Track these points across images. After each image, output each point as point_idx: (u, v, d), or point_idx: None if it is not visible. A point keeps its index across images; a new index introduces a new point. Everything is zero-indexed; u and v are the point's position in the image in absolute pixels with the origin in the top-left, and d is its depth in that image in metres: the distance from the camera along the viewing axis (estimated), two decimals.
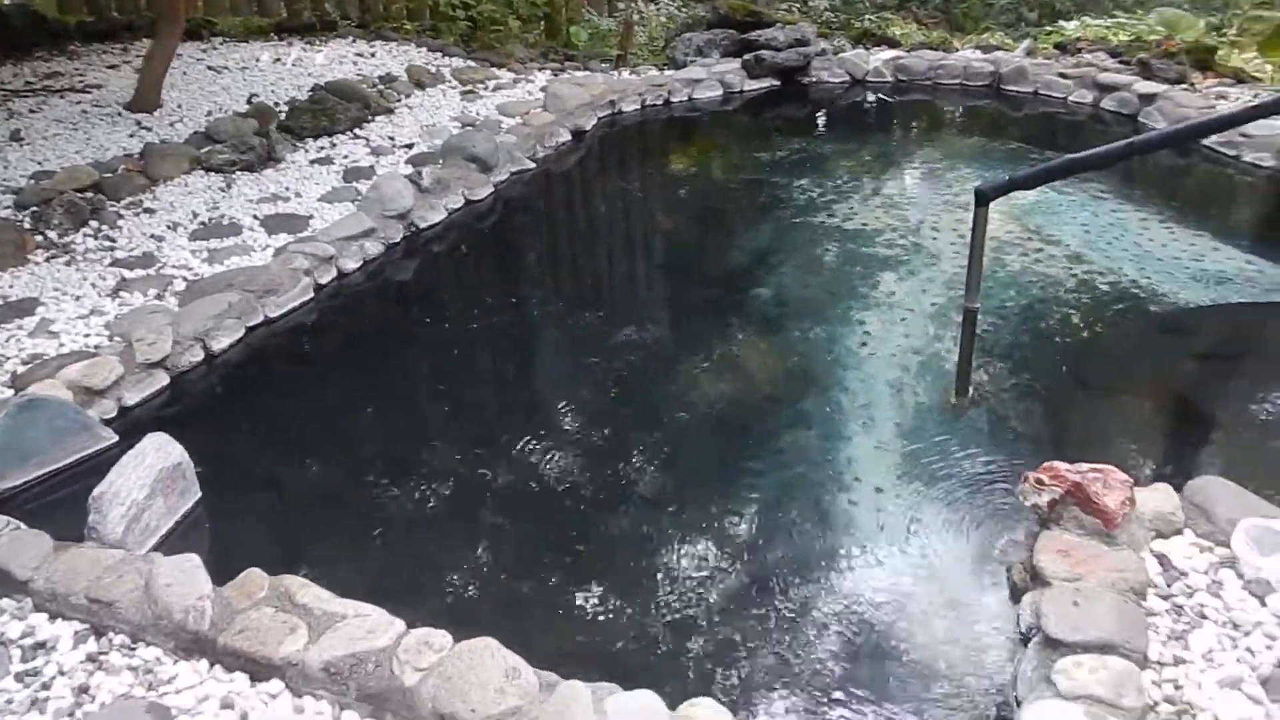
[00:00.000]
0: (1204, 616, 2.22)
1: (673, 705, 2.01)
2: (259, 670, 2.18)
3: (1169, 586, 2.31)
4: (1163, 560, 2.39)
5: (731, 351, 3.67)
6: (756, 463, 3.02)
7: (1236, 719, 1.97)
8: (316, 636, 2.19)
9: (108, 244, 4.40)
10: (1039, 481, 2.47)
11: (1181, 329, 3.70)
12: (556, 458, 3.07)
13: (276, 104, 5.91)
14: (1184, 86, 5.93)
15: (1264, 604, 2.24)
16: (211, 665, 2.23)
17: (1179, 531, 2.47)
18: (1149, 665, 2.09)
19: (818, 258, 4.31)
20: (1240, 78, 6.12)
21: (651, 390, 3.45)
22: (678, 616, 2.42)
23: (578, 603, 2.48)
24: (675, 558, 2.62)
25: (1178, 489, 2.55)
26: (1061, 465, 2.47)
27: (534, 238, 4.83)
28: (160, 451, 2.75)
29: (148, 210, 4.71)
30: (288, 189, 4.97)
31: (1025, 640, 2.25)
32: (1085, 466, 2.46)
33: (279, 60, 6.76)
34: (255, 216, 4.66)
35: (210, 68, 6.55)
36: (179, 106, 5.84)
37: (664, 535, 2.71)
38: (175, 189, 4.93)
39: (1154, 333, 3.67)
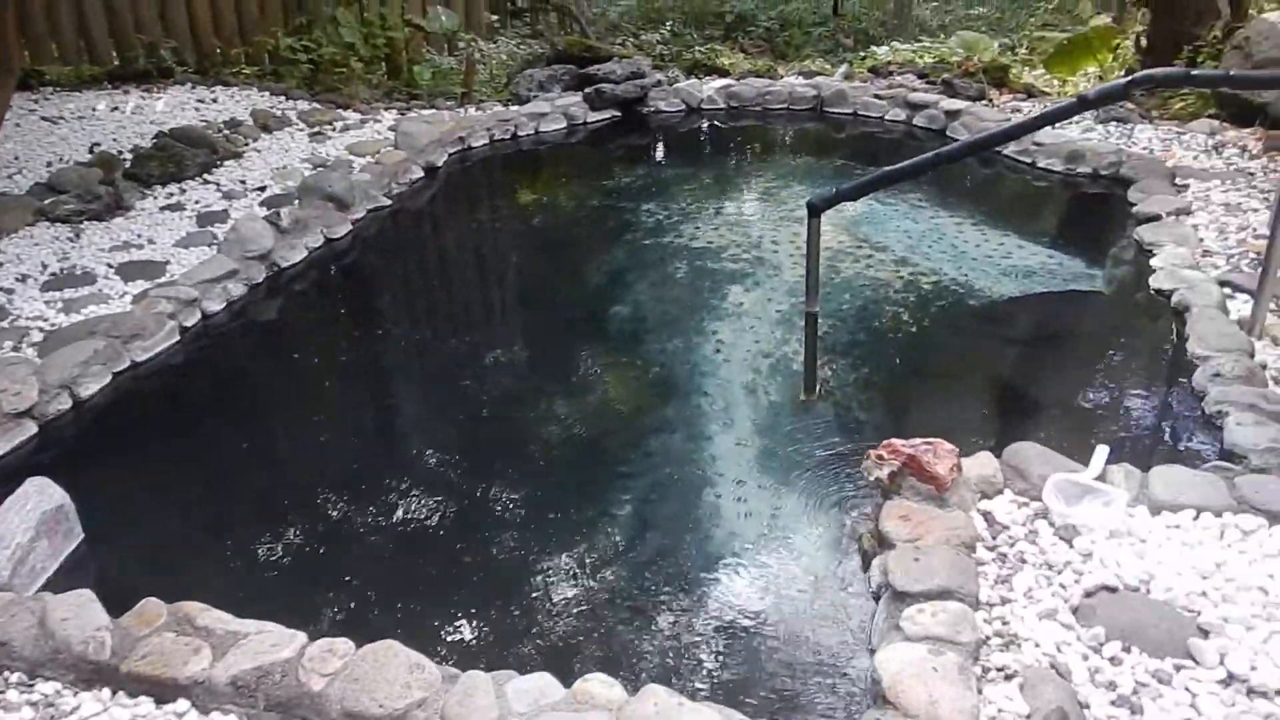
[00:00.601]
0: (1024, 561, 2.55)
1: (567, 685, 2.19)
2: (164, 692, 2.25)
3: (994, 539, 2.64)
4: (988, 517, 2.72)
5: (595, 366, 3.90)
6: (625, 466, 3.23)
7: (1053, 644, 2.28)
8: (220, 655, 2.28)
9: None
10: (879, 457, 2.77)
11: (996, 318, 4.13)
12: (432, 473, 3.22)
13: (120, 152, 5.83)
14: (984, 102, 6.52)
15: (1071, 546, 2.59)
16: (114, 693, 2.29)
17: (1000, 491, 2.81)
18: (980, 606, 2.39)
19: (669, 275, 4.58)
20: (1031, 92, 6.76)
21: (520, 407, 3.63)
22: (562, 611, 2.60)
23: (468, 607, 2.63)
24: (555, 556, 2.81)
25: (997, 455, 2.90)
26: (898, 441, 2.77)
27: (395, 273, 4.94)
28: (42, 495, 2.77)
29: None
30: (140, 236, 4.93)
31: (877, 598, 2.53)
32: (918, 440, 2.77)
33: (117, 109, 6.65)
34: (109, 265, 4.62)
35: (44, 118, 6.39)
36: (15, 158, 5.70)
37: (544, 536, 2.89)
38: (20, 241, 4.83)
39: (973, 322, 4.09)
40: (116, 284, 4.44)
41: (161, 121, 6.39)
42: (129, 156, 5.79)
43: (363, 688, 2.15)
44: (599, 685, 2.16)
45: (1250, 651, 2.20)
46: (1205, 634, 2.27)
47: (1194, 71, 4.13)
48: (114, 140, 6.07)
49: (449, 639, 2.51)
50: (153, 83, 7.20)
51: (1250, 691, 2.13)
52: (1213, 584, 2.42)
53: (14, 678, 2.35)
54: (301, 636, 2.32)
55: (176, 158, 5.71)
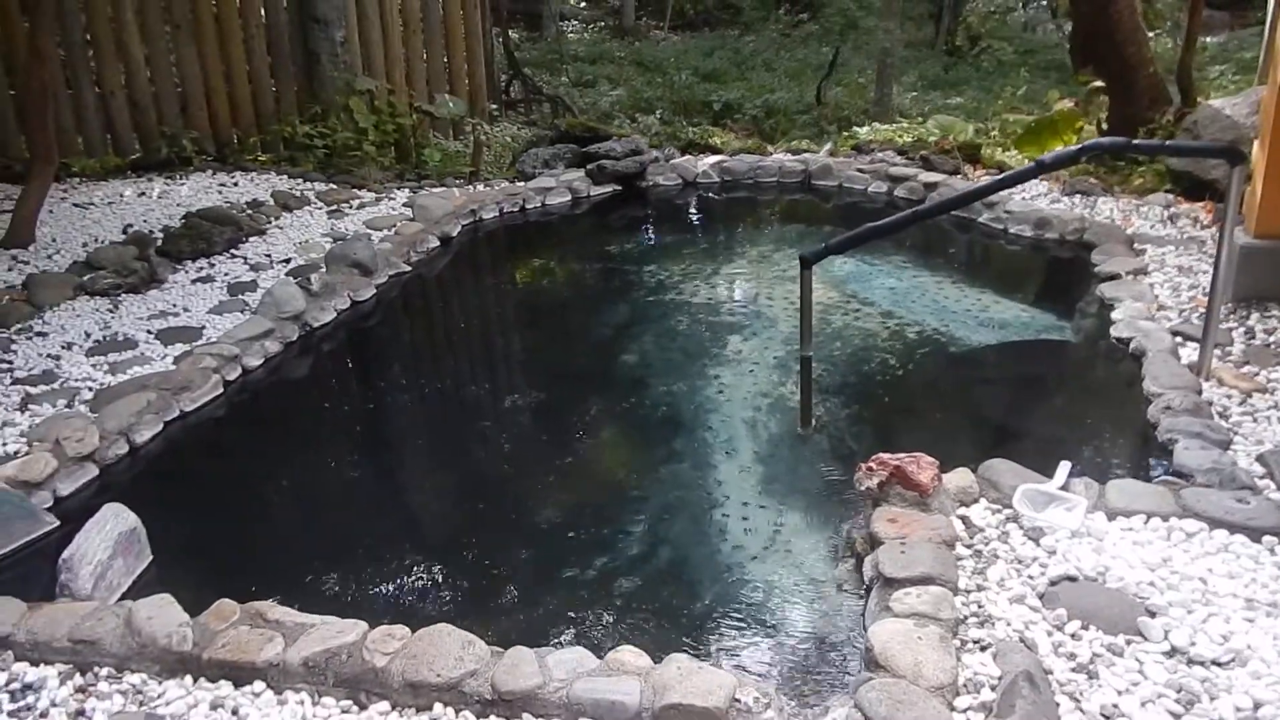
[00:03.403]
0: (997, 556, 2.88)
1: (600, 658, 2.50)
2: (242, 675, 2.54)
3: (971, 538, 2.97)
4: (965, 520, 3.05)
5: (607, 408, 4.25)
6: (639, 490, 3.57)
7: (1022, 622, 2.60)
8: (292, 641, 2.58)
9: (5, 365, 4.60)
10: (869, 468, 3.12)
11: (974, 362, 4.52)
12: (457, 498, 3.55)
13: (151, 232, 6.22)
14: (959, 176, 6.99)
15: (1038, 544, 2.93)
16: (196, 679, 2.57)
17: (976, 500, 3.15)
18: (959, 592, 2.71)
19: (673, 328, 4.96)
20: (1002, 169, 7.25)
21: (542, 446, 3.98)
22: (596, 601, 2.92)
23: (507, 610, 2.94)
24: (586, 559, 3.13)
25: (973, 471, 3.25)
26: (885, 454, 3.12)
27: (417, 331, 5.33)
28: (118, 518, 3.08)
29: (40, 334, 4.93)
30: (175, 305, 5.29)
31: (869, 590, 2.85)
32: (902, 454, 3.12)
33: (144, 194, 7.08)
34: (148, 331, 4.96)
35: (76, 205, 6.80)
36: (54, 240, 6.09)
37: (578, 546, 3.22)
38: (64, 313, 5.17)
39: (953, 366, 4.47)
40: (157, 347, 4.78)
41: (188, 204, 6.80)
42: (160, 235, 6.18)
43: (421, 662, 2.45)
44: (629, 654, 2.47)
45: (1190, 629, 2.54)
46: (1152, 615, 2.60)
47: (1134, 141, 4.66)
48: (144, 221, 6.47)
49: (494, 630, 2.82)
50: (175, 170, 7.64)
51: (1190, 661, 2.46)
52: (1160, 575, 2.76)
53: (104, 671, 2.63)
54: (363, 624, 2.62)
55: (205, 235, 6.10)
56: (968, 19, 17.52)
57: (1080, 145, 4.02)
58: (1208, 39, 13.86)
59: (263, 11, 8.07)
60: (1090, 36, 7.33)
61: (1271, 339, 4.35)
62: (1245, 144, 5.41)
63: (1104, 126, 7.44)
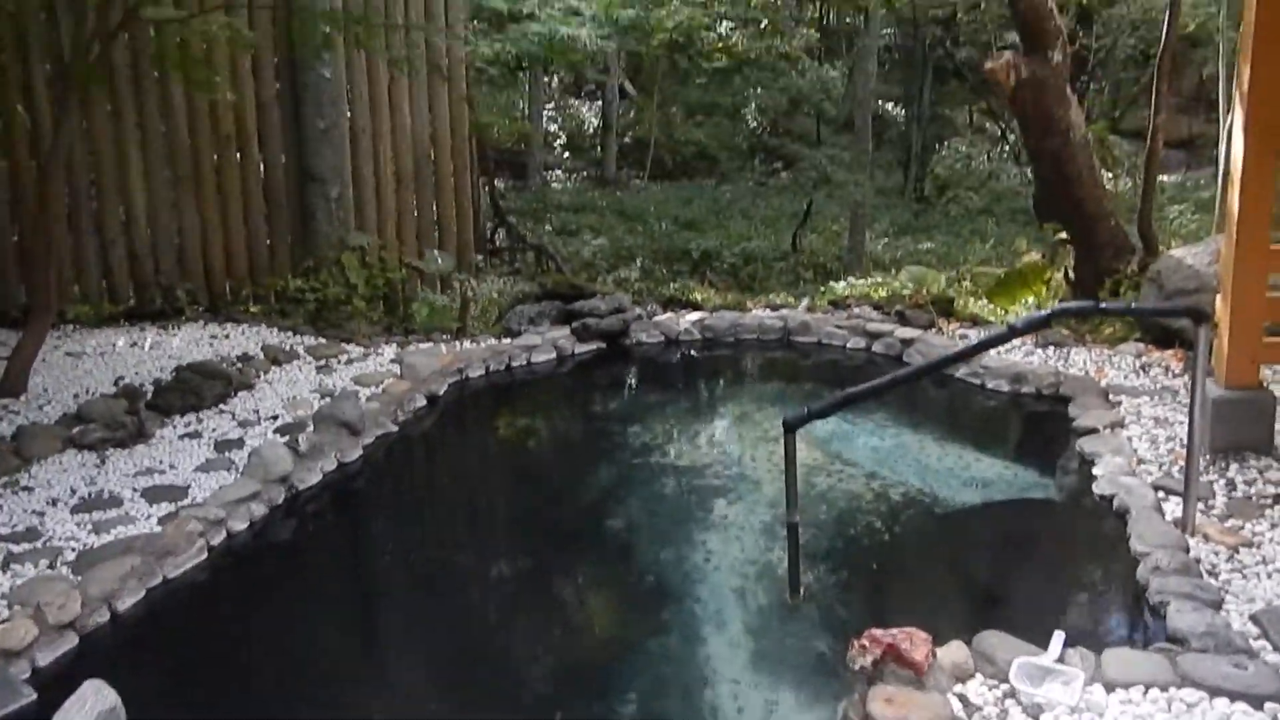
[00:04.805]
0: None
1: None
2: None
3: (969, 718, 2.95)
4: (963, 699, 3.03)
5: (593, 575, 4.25)
6: (625, 664, 3.53)
7: None
8: None
9: None
10: (862, 646, 3.11)
11: (960, 523, 4.56)
12: (452, 663, 3.51)
13: (142, 385, 6.26)
14: (934, 330, 7.18)
15: None
16: None
17: (972, 675, 3.14)
18: None
19: (658, 492, 4.99)
20: (976, 320, 7.48)
21: (527, 616, 3.95)
22: None
23: None
24: None
25: (967, 643, 3.25)
26: (877, 631, 3.12)
27: (404, 493, 5.32)
28: (98, 696, 3.01)
29: (26, 489, 4.91)
30: (161, 462, 5.28)
31: None
32: (895, 630, 3.12)
33: (136, 344, 7.15)
34: (134, 489, 4.94)
35: (69, 353, 6.86)
36: (45, 390, 6.12)
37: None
38: (51, 467, 5.16)
39: (940, 528, 4.51)
40: (142, 506, 4.75)
41: (179, 355, 6.87)
42: (150, 388, 6.22)
43: None
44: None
45: None
46: None
47: (1102, 305, 4.90)
48: (136, 373, 6.51)
49: None
50: (168, 320, 7.74)
51: None
52: None
53: None
54: None
55: (195, 389, 6.14)
56: (934, 169, 18.28)
57: (1050, 310, 4.20)
58: (1164, 177, 14.49)
59: (262, 167, 8.32)
60: (1050, 192, 7.65)
61: (1252, 489, 4.44)
62: (1208, 292, 5.64)
63: (1071, 276, 7.71)
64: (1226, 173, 5.72)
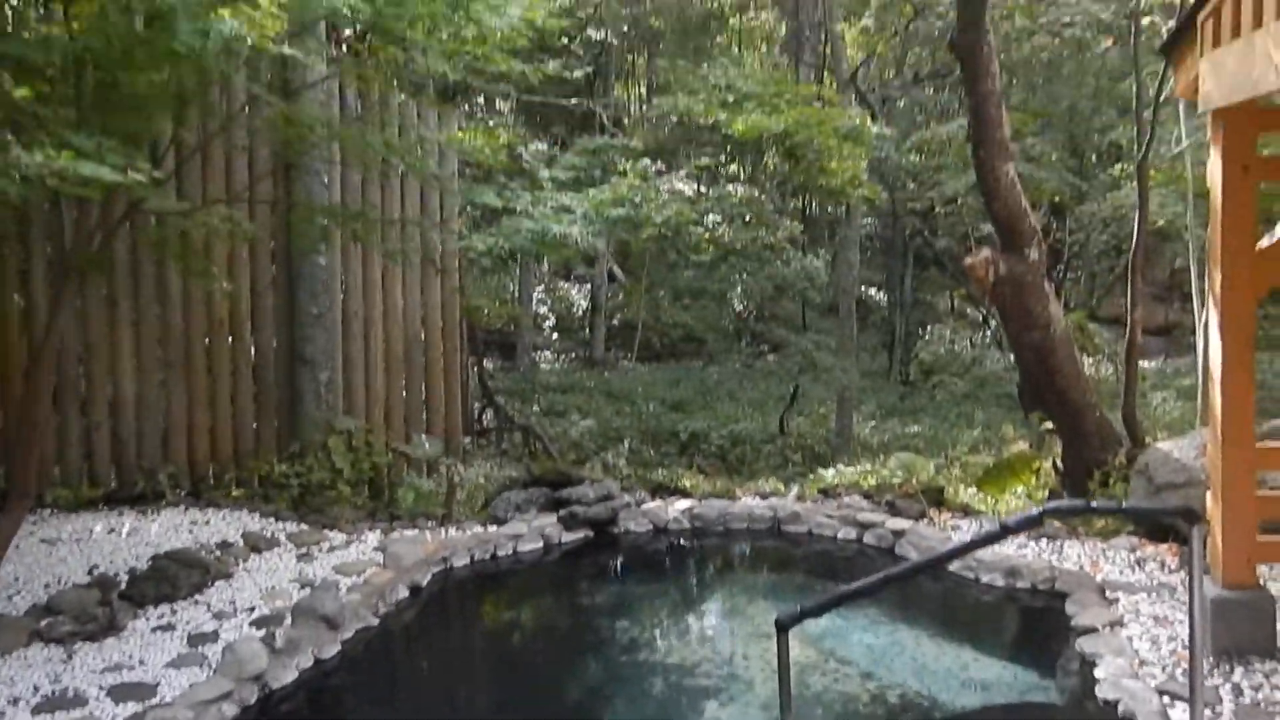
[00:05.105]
0: None
1: None
2: None
3: None
4: None
5: None
6: None
7: None
8: None
9: None
10: None
11: None
12: None
13: (117, 574, 6.11)
14: (925, 520, 7.13)
15: None
16: None
17: None
18: None
19: (646, 692, 4.82)
20: (967, 510, 7.43)
21: None
22: None
23: None
24: None
25: None
26: None
27: (380, 694, 5.10)
28: None
29: None
30: (131, 657, 5.09)
31: None
32: None
33: (113, 530, 7.02)
34: (100, 687, 4.74)
35: (44, 540, 6.71)
36: (16, 579, 5.96)
37: None
38: (15, 662, 4.97)
39: None
40: (108, 706, 4.56)
41: (157, 543, 6.72)
42: (125, 577, 6.06)
43: None
44: None
45: None
46: None
47: (1094, 504, 4.90)
48: (111, 562, 6.36)
49: None
50: (148, 505, 7.61)
51: None
52: None
53: None
54: None
55: (171, 579, 5.98)
56: (919, 354, 18.62)
57: (1041, 509, 4.19)
58: (1145, 364, 14.77)
59: (253, 350, 8.38)
60: (1035, 383, 7.77)
61: (1260, 694, 4.32)
62: (1197, 485, 5.66)
63: (1059, 465, 7.74)
64: (1206, 369, 5.83)
